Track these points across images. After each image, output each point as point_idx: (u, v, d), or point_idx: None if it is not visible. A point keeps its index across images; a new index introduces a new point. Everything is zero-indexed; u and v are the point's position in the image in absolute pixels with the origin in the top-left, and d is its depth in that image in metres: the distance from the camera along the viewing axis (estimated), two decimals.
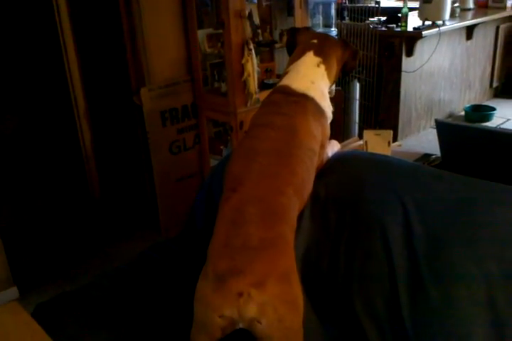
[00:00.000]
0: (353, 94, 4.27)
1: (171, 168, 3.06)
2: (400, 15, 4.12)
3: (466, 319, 1.26)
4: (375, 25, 4.09)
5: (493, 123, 4.67)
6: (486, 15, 4.79)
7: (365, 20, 4.03)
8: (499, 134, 1.90)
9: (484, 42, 5.09)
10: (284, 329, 1.16)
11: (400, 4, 4.52)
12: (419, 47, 4.17)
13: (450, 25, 4.27)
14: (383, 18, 4.23)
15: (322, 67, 1.60)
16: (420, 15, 4.21)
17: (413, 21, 4.21)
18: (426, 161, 2.18)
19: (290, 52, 1.72)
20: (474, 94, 5.29)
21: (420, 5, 4.22)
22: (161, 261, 1.81)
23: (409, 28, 4.09)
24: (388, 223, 1.42)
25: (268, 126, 1.45)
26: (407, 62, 4.17)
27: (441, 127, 2.02)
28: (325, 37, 1.72)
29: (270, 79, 3.03)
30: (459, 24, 4.44)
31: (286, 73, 1.62)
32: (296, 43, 1.71)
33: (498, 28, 5.15)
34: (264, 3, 3.12)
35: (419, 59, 4.25)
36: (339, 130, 3.83)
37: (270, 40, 3.11)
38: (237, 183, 1.33)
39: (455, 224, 1.38)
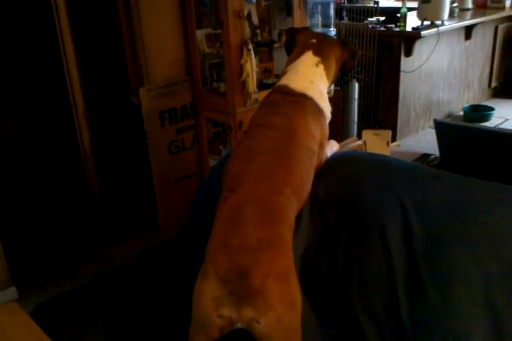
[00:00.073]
0: (351, 94, 4.27)
1: (170, 168, 3.06)
2: (398, 15, 4.12)
3: (466, 319, 1.26)
4: (374, 25, 4.09)
5: (491, 123, 4.67)
6: (484, 15, 4.79)
7: (363, 20, 4.03)
8: (498, 134, 1.90)
9: (483, 43, 5.10)
10: (283, 329, 1.16)
11: (399, 4, 4.53)
12: (418, 47, 4.17)
13: (449, 25, 4.28)
14: (382, 18, 4.24)
15: (321, 66, 1.60)
16: (419, 15, 4.22)
17: (412, 21, 4.22)
18: (425, 161, 2.19)
19: (289, 52, 1.72)
20: (473, 94, 5.29)
21: (419, 5, 4.22)
22: (160, 261, 1.81)
23: (408, 28, 4.09)
24: (387, 223, 1.42)
25: (267, 126, 1.45)
26: (405, 62, 4.18)
27: (440, 127, 2.02)
28: (324, 37, 1.72)
29: (269, 79, 3.03)
30: (457, 24, 4.44)
31: (284, 73, 1.62)
32: (295, 43, 1.71)
33: (496, 28, 5.16)
34: (262, 3, 3.12)
35: (417, 59, 4.25)
36: (338, 130, 3.83)
37: (269, 40, 3.11)
38: (235, 183, 1.33)
39: (454, 223, 1.38)
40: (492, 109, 4.85)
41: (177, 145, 3.06)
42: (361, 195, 1.52)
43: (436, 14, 4.11)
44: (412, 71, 4.24)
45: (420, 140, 4.48)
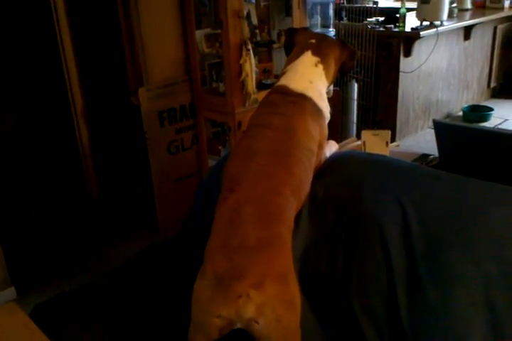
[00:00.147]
0: (351, 94, 4.27)
1: (169, 168, 3.06)
2: (397, 15, 4.12)
3: (464, 319, 1.26)
4: (373, 26, 4.09)
5: (490, 124, 4.67)
6: (483, 15, 4.80)
7: (363, 20, 4.03)
8: (497, 134, 1.90)
9: (482, 43, 5.10)
10: (282, 329, 1.16)
11: (398, 5, 4.53)
12: (417, 47, 4.18)
13: (448, 25, 4.28)
14: (381, 19, 4.24)
15: (320, 66, 1.60)
16: (418, 16, 4.22)
17: (411, 22, 4.22)
18: (424, 161, 2.19)
19: (288, 53, 1.72)
20: (472, 94, 5.29)
21: (418, 5, 4.23)
22: (159, 261, 1.81)
23: (407, 29, 4.09)
24: (386, 223, 1.43)
25: (266, 126, 1.45)
26: (404, 63, 4.18)
27: (439, 127, 2.02)
28: (323, 37, 1.72)
29: (268, 80, 3.03)
30: (456, 24, 4.44)
31: (284, 73, 1.62)
32: (294, 43, 1.71)
33: (495, 28, 5.16)
34: (262, 4, 3.12)
35: (417, 59, 4.25)
36: (337, 130, 3.83)
37: (268, 40, 3.11)
38: (234, 183, 1.33)
39: (453, 224, 1.38)
40: (491, 109, 4.85)
41: (176, 146, 3.06)
42: (360, 195, 1.52)
43: (436, 14, 4.11)
44: (411, 71, 4.24)
45: (419, 140, 4.48)
